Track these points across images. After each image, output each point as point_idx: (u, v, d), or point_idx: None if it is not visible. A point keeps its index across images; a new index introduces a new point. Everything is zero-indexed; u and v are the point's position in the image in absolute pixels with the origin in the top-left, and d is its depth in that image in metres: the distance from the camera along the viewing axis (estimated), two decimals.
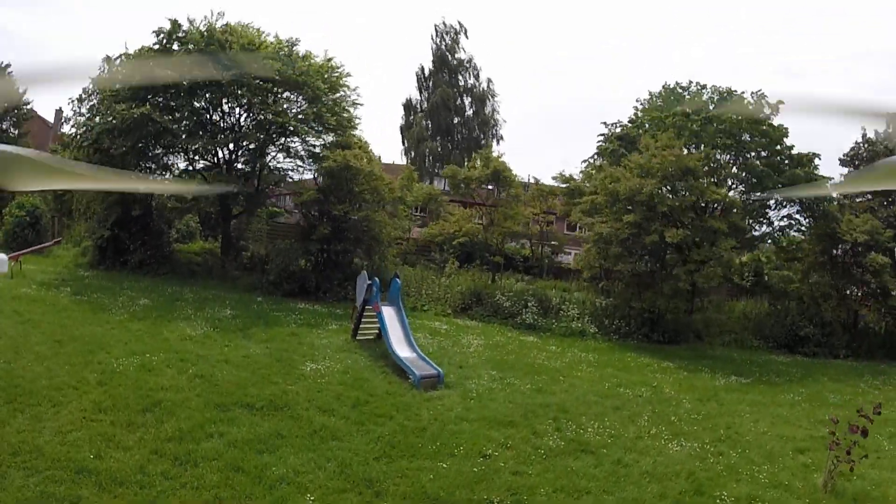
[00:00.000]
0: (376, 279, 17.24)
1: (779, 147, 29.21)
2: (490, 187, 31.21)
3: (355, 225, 26.49)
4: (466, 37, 51.53)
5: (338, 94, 29.44)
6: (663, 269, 27.20)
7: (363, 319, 17.41)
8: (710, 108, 31.72)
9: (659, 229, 24.81)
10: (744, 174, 29.34)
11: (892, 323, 28.23)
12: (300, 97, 28.67)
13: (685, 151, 27.87)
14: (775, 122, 28.45)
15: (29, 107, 40.63)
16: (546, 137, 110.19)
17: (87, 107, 26.80)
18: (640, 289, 26.61)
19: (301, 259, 26.93)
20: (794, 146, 28.93)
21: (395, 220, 33.73)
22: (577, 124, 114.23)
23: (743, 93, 31.54)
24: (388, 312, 16.79)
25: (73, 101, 27.08)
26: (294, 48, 29.15)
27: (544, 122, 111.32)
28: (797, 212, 30.07)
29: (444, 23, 50.73)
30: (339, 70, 29.80)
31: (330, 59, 29.78)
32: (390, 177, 29.96)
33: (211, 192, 26.77)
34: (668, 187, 26.49)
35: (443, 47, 50.35)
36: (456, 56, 49.98)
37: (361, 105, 31.26)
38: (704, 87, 35.15)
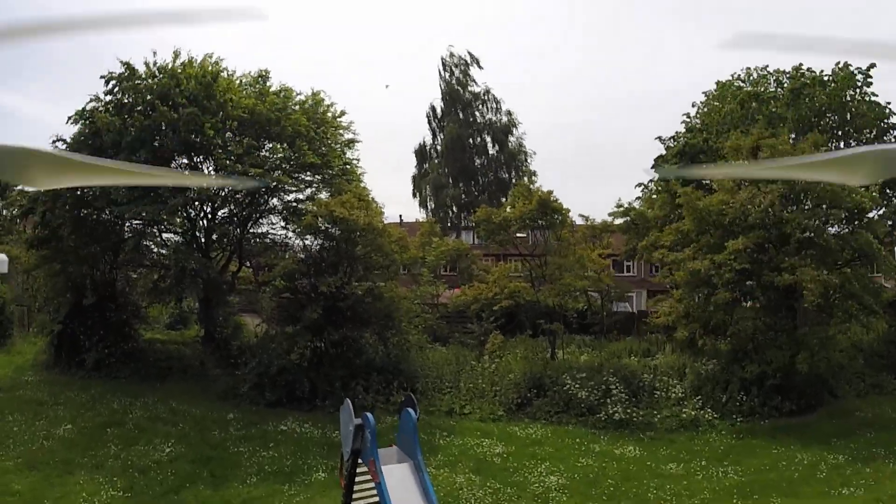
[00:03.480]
0: (369, 416, 9.27)
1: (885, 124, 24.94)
2: (533, 232, 23.83)
3: (359, 302, 19.19)
4: (479, 67, 44.91)
5: (325, 134, 22.90)
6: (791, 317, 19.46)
7: (357, 483, 9.60)
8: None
9: (791, 265, 17.27)
10: None
11: None
12: (281, 143, 22.23)
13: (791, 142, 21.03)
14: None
15: None
16: (584, 173, 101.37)
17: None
18: (757, 345, 18.96)
19: (293, 353, 19.59)
20: None
21: (416, 288, 26.64)
22: (616, 157, 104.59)
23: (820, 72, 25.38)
24: (396, 474, 8.96)
25: None
26: (267, 83, 22.89)
27: (579, 156, 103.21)
28: None
29: (451, 54, 44.26)
30: (329, 106, 23.47)
31: (317, 93, 23.43)
32: (401, 230, 22.95)
33: (237, 185, 20.42)
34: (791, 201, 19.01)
35: (453, 82, 43.96)
36: (469, 90, 43.70)
37: (359, 142, 24.67)
38: (766, 69, 28.34)
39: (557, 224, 22.27)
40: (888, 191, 22.96)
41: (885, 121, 25.23)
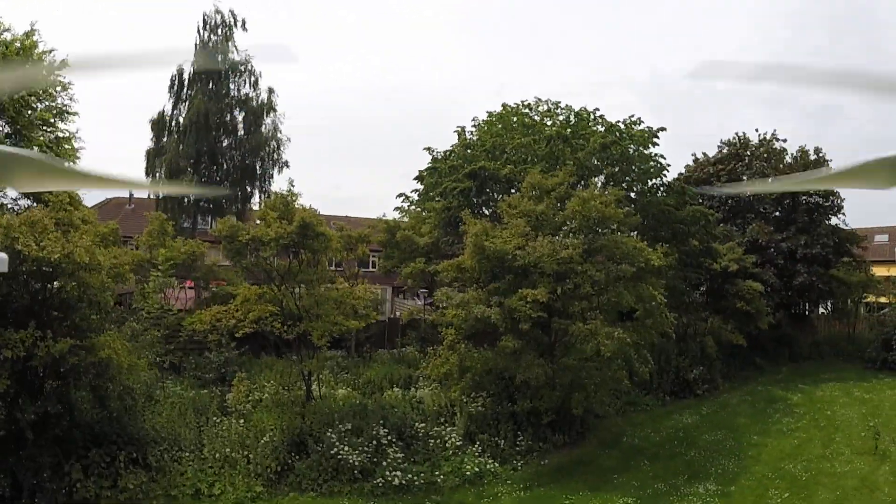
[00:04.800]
0: None
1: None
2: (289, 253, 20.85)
3: (62, 360, 14.55)
4: (245, 29, 37.52)
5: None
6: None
7: None
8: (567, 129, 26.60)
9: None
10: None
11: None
12: None
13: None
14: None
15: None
16: (340, 161, 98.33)
17: None
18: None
19: None
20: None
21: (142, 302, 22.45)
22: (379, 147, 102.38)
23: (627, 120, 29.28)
24: None
25: None
26: None
27: (339, 140, 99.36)
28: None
29: (216, 10, 36.28)
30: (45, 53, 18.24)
31: (31, 33, 18.04)
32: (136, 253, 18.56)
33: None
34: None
35: (210, 44, 37.24)
36: (228, 56, 37.48)
37: (74, 113, 19.57)
38: (558, 104, 29.53)
39: (321, 249, 19.79)
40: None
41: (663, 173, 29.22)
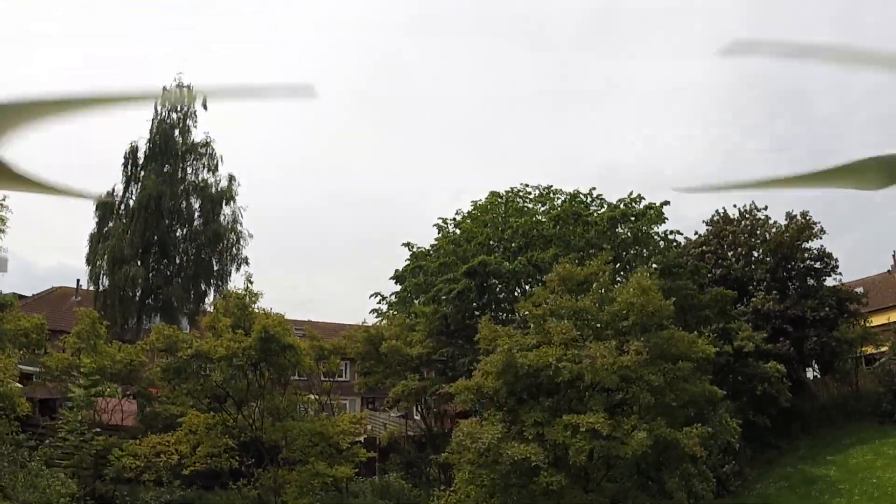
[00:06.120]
0: None
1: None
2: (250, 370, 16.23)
3: None
4: (205, 108, 33.30)
5: None
6: None
7: None
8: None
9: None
10: None
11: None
12: None
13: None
14: None
15: None
16: (296, 261, 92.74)
17: None
18: None
19: None
20: None
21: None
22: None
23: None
24: None
25: None
26: None
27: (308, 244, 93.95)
28: None
29: (178, 84, 30.91)
30: None
31: None
32: None
33: None
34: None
35: (168, 122, 33.34)
36: (186, 136, 33.83)
37: None
38: (550, 188, 26.51)
39: (288, 366, 15.37)
40: None
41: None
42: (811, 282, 35.56)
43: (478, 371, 15.59)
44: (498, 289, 23.01)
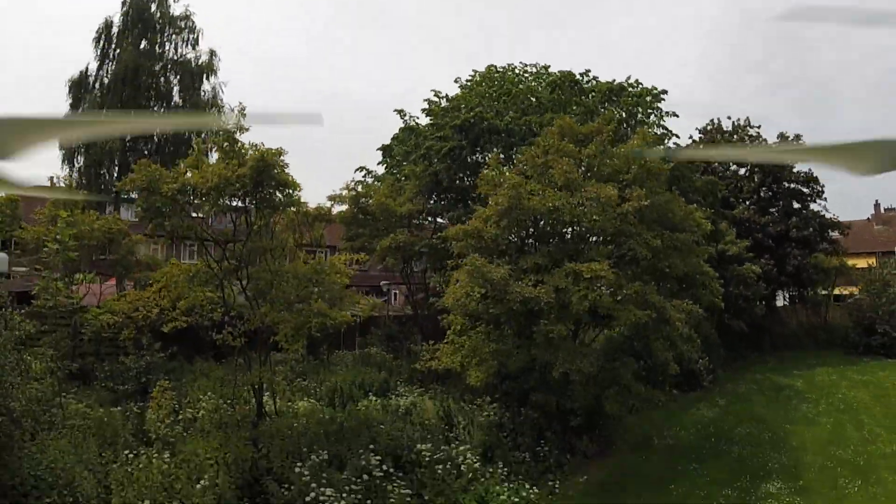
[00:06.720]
0: None
1: None
2: (234, 215, 15.53)
3: None
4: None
5: None
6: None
7: None
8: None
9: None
10: None
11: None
12: None
13: None
14: None
15: None
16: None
17: None
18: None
19: None
20: None
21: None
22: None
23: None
24: None
25: None
26: None
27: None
28: None
29: None
30: None
31: None
32: None
33: None
34: None
35: None
36: (162, 9, 31.28)
37: None
38: (547, 67, 25.83)
39: (281, 204, 14.68)
40: None
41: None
42: (797, 205, 36.44)
43: (475, 217, 15.21)
44: (494, 148, 22.15)
